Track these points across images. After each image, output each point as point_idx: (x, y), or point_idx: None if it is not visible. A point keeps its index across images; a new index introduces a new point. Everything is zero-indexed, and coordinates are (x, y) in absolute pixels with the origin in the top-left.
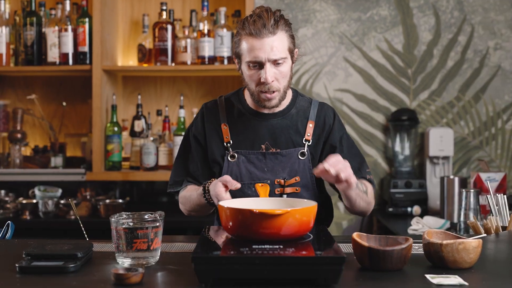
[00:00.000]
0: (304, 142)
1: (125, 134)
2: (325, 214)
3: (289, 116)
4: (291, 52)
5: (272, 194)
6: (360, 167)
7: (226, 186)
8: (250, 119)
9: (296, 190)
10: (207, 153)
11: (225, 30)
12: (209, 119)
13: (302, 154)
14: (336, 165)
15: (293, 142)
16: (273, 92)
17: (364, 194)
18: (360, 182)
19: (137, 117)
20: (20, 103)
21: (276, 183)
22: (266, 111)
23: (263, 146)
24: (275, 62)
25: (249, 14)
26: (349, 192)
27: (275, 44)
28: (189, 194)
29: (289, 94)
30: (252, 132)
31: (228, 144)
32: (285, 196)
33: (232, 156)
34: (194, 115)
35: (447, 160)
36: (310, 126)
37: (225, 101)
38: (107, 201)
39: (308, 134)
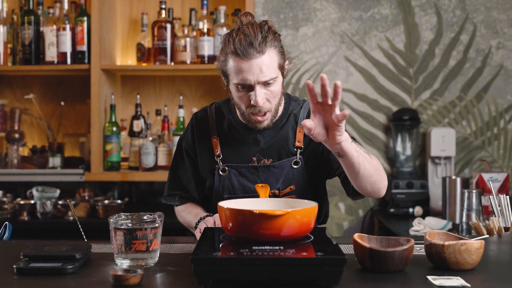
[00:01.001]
0: (296, 150)
1: (124, 134)
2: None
3: (280, 126)
4: (281, 68)
5: None
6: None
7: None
8: (241, 131)
9: (292, 198)
10: (199, 167)
11: (225, 29)
12: (199, 132)
13: (296, 163)
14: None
15: (286, 152)
16: (265, 113)
17: (366, 154)
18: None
19: (136, 117)
20: (18, 103)
21: (270, 194)
22: None
23: (254, 159)
24: (265, 83)
25: (234, 28)
26: (346, 147)
27: (264, 64)
28: (185, 214)
29: (281, 103)
30: (242, 145)
31: (218, 158)
32: None
33: (223, 170)
34: None
35: (449, 161)
36: (300, 131)
37: (215, 111)
38: (106, 201)
39: (299, 141)
